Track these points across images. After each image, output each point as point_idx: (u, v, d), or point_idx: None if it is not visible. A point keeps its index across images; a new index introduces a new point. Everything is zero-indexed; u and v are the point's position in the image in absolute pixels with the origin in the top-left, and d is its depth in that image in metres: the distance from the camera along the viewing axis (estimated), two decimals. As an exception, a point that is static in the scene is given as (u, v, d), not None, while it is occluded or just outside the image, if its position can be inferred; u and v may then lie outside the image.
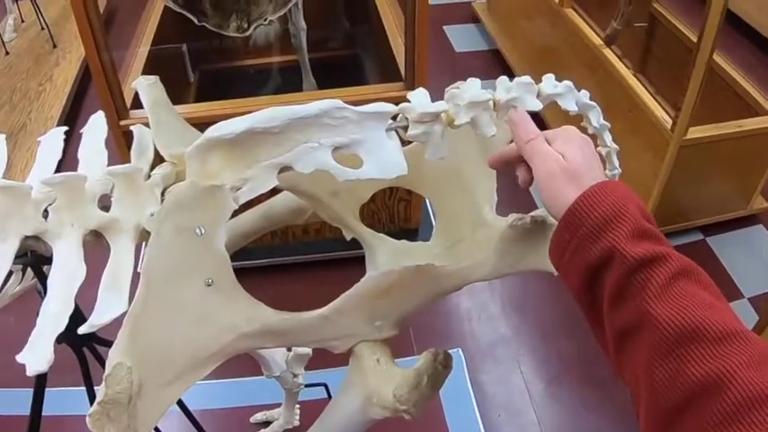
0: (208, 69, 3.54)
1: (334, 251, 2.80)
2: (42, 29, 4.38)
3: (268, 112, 0.86)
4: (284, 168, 0.89)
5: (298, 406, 2.17)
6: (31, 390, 1.31)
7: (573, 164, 0.79)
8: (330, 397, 2.15)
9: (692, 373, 0.61)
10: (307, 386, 2.01)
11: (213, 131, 0.88)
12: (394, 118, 0.90)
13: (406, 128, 0.89)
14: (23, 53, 4.26)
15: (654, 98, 2.74)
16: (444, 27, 4.69)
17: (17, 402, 1.76)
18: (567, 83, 1.04)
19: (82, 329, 0.95)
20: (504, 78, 0.97)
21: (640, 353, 0.67)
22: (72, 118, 3.77)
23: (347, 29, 3.65)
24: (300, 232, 2.85)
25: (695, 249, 3.03)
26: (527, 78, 0.97)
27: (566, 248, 0.76)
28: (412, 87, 2.35)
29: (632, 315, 0.68)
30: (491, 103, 0.94)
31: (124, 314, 0.94)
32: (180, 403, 1.73)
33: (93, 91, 2.44)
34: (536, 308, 2.75)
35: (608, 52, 3.04)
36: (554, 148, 0.81)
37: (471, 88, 0.93)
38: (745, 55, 4.01)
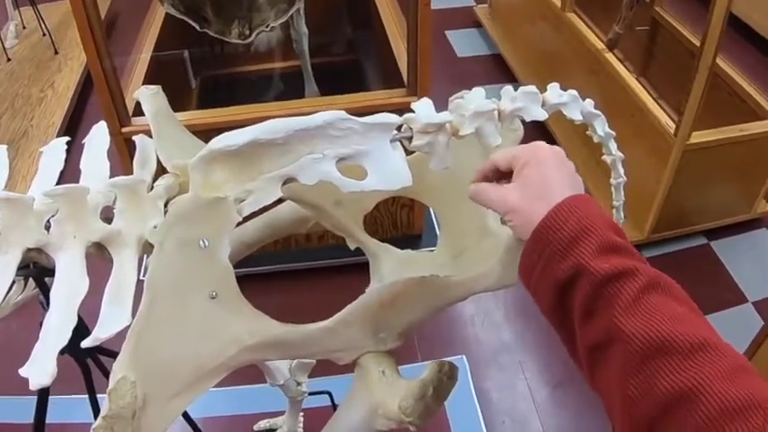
0: (210, 75, 3.54)
1: (336, 258, 2.79)
2: (44, 35, 4.38)
3: (271, 124, 0.86)
4: (288, 180, 0.88)
5: (301, 414, 2.16)
6: (35, 398, 1.30)
7: (533, 190, 0.79)
8: (334, 405, 2.15)
9: (663, 387, 0.62)
10: (310, 394, 2.00)
11: (216, 143, 0.87)
12: (398, 128, 0.89)
13: (410, 138, 0.89)
14: (25, 59, 4.27)
15: (657, 102, 2.73)
16: (446, 32, 4.68)
17: (21, 410, 1.75)
18: (572, 92, 1.04)
19: (85, 343, 0.94)
20: (508, 88, 0.96)
21: (613, 367, 0.67)
22: (74, 124, 3.78)
23: (349, 34, 3.64)
24: (303, 239, 2.84)
25: (699, 254, 3.02)
26: (532, 88, 0.97)
27: (534, 268, 0.76)
28: (414, 93, 2.35)
29: (602, 330, 0.68)
30: (496, 113, 0.93)
31: (128, 327, 0.94)
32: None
33: (95, 97, 2.44)
34: (539, 313, 2.73)
35: (610, 56, 3.03)
36: (521, 174, 0.82)
37: (476, 98, 0.93)
38: (748, 59, 4.00)
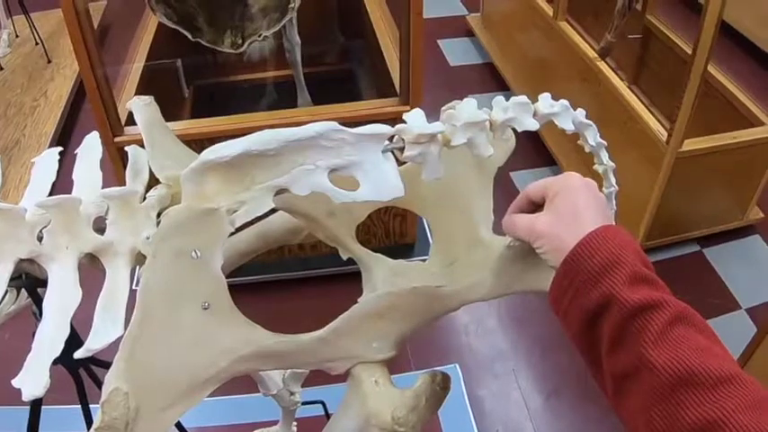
0: (202, 85, 3.54)
1: (330, 267, 2.79)
2: (36, 44, 4.38)
3: (264, 135, 0.86)
4: (280, 190, 0.88)
5: (295, 423, 2.15)
6: (28, 408, 1.30)
7: (564, 218, 0.81)
8: (327, 414, 2.14)
9: (688, 418, 0.62)
10: (303, 404, 2.00)
11: (208, 154, 0.87)
12: (390, 139, 0.89)
13: (402, 149, 0.89)
14: (18, 68, 4.27)
15: (649, 110, 2.75)
16: (438, 41, 4.69)
17: (13, 420, 1.74)
18: (564, 102, 1.04)
19: (78, 354, 0.94)
20: (500, 98, 0.96)
21: (638, 396, 0.68)
22: (66, 134, 3.78)
23: (342, 44, 3.65)
24: (296, 248, 2.84)
25: (692, 261, 3.03)
26: (523, 98, 0.97)
27: (564, 294, 0.77)
28: (407, 102, 2.35)
29: (630, 360, 0.69)
30: (487, 123, 0.94)
31: (121, 338, 0.94)
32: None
33: (88, 106, 2.45)
34: (534, 321, 2.74)
35: (602, 65, 3.05)
36: (552, 203, 0.84)
37: (467, 108, 0.93)
38: (739, 66, 4.02)
